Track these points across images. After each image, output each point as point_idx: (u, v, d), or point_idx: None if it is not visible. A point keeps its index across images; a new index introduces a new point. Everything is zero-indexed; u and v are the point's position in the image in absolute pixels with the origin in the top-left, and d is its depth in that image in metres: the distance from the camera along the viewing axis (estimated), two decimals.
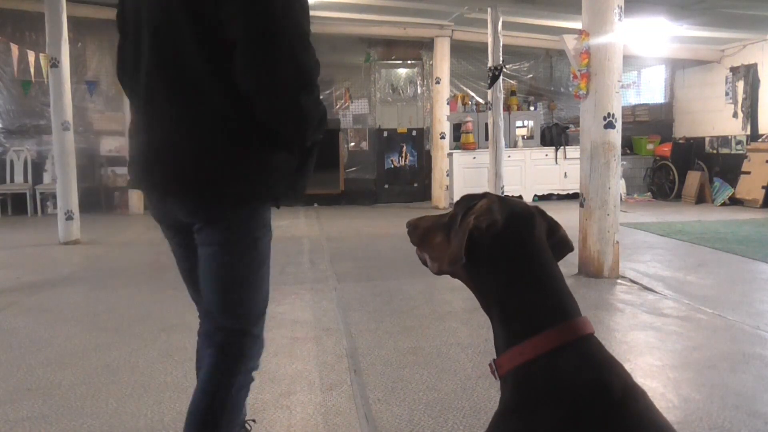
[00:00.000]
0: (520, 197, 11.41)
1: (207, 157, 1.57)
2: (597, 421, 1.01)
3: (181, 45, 1.55)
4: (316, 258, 6.15)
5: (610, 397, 1.03)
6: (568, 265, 5.39)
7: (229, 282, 1.69)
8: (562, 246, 1.22)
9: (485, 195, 1.22)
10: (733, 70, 10.47)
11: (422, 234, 1.29)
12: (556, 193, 11.18)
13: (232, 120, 1.56)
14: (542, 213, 1.22)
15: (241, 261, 1.68)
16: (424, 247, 1.28)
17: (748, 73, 10.18)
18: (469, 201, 1.23)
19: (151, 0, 1.59)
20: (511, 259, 1.13)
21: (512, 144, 11.02)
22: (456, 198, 11.05)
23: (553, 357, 1.06)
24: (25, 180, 10.35)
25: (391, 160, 11.47)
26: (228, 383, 1.66)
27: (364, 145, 11.43)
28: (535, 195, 11.14)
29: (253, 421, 2.18)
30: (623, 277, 4.96)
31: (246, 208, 1.64)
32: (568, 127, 11.41)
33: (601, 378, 1.05)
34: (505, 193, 8.08)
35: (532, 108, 11.64)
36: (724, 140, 10.70)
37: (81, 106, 10.41)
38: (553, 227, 1.21)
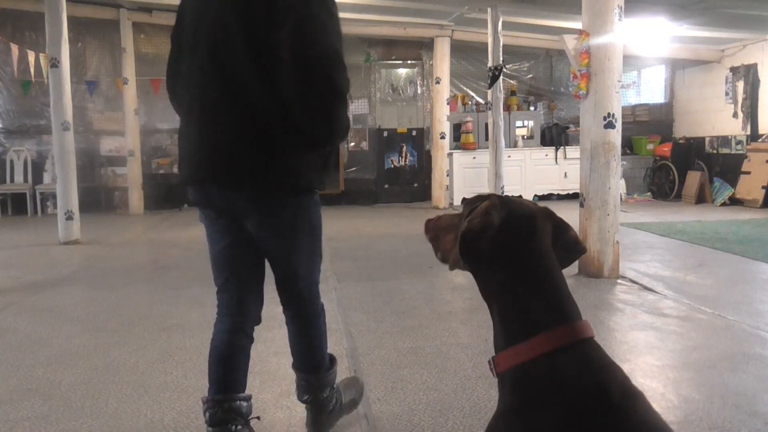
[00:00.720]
0: (520, 197, 11.44)
1: (261, 156, 1.87)
2: (595, 425, 1.02)
3: (237, 62, 1.85)
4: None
5: (609, 400, 1.03)
6: None
7: (296, 258, 2.05)
8: (572, 248, 1.22)
9: (489, 197, 1.23)
10: (733, 70, 10.47)
11: (435, 233, 1.31)
12: (556, 193, 11.18)
13: (278, 125, 1.86)
14: (548, 215, 1.22)
15: (300, 239, 2.02)
16: (437, 246, 1.30)
17: (748, 73, 10.18)
18: (473, 202, 1.24)
19: (211, 22, 1.90)
20: (509, 260, 1.14)
21: (512, 144, 11.02)
22: (456, 198, 11.12)
23: (552, 359, 1.06)
24: (25, 180, 10.35)
25: (391, 160, 11.47)
26: (311, 328, 2.19)
27: (364, 145, 11.43)
28: (535, 195, 11.14)
29: (258, 418, 2.19)
30: (623, 277, 4.96)
31: (292, 197, 1.97)
32: (568, 127, 11.41)
33: (600, 381, 1.05)
34: (505, 193, 8.10)
35: (532, 108, 11.64)
36: (724, 140, 10.70)
37: (81, 106, 10.41)
38: (561, 229, 1.21)
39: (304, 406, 2.37)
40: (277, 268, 2.11)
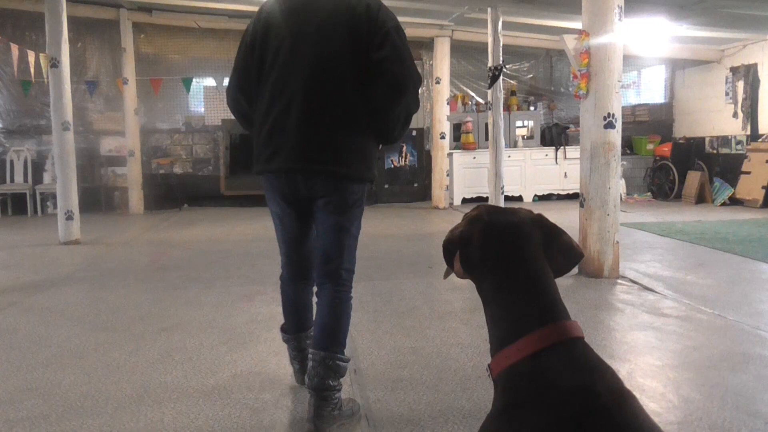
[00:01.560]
0: (520, 197, 11.38)
1: (345, 155, 2.38)
2: (580, 425, 1.02)
3: (341, 78, 2.35)
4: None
5: (594, 399, 1.03)
6: None
7: (345, 235, 2.49)
8: (566, 253, 1.24)
9: (477, 207, 1.28)
10: (733, 70, 10.47)
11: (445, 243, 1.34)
12: (556, 193, 11.18)
13: (362, 130, 2.40)
14: (538, 222, 1.24)
15: (352, 221, 2.51)
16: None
17: (748, 73, 10.18)
18: (469, 213, 1.30)
19: (316, 42, 2.36)
20: (495, 267, 1.18)
21: (512, 144, 11.02)
22: (456, 198, 11.11)
23: (537, 359, 1.08)
24: (25, 180, 10.35)
25: (391, 160, 11.47)
26: (343, 307, 2.47)
27: None
28: (535, 195, 11.14)
29: None
30: (623, 277, 4.96)
31: (363, 185, 2.47)
32: (568, 127, 11.41)
33: (585, 381, 1.06)
34: (505, 193, 8.09)
35: (532, 108, 11.64)
36: (724, 140, 10.71)
37: (81, 106, 10.42)
38: (552, 235, 1.23)
39: (304, 406, 2.36)
40: (327, 242, 2.48)
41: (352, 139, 2.39)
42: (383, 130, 2.45)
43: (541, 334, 1.09)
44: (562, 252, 1.23)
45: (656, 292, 4.52)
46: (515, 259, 1.17)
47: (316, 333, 2.44)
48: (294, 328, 2.72)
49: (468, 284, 4.06)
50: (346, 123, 2.36)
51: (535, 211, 1.28)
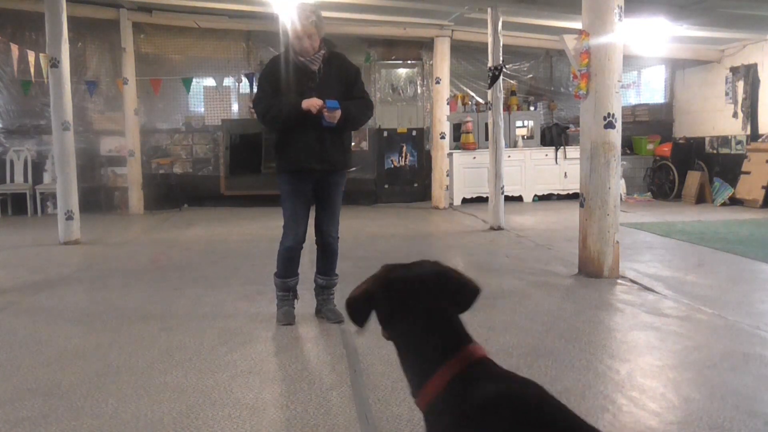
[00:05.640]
0: (520, 198, 11.32)
1: (341, 154, 3.84)
2: (513, 427, 1.12)
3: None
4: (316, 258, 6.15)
5: (516, 401, 1.15)
6: (568, 265, 5.39)
7: (338, 206, 3.92)
8: (464, 289, 1.37)
9: (382, 267, 1.41)
10: (733, 70, 10.46)
11: None
12: (556, 193, 11.18)
13: (349, 136, 4.04)
14: (436, 268, 1.38)
15: (340, 195, 3.92)
16: None
17: (748, 73, 10.17)
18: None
19: (327, 89, 3.71)
20: (402, 316, 1.31)
21: (512, 144, 11.01)
22: (456, 198, 11.10)
23: (453, 385, 1.21)
24: (25, 180, 10.35)
25: (391, 160, 11.46)
26: (334, 258, 3.96)
27: (364, 145, 11.42)
28: (535, 195, 11.14)
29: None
30: (623, 277, 4.96)
31: (346, 170, 3.90)
32: (568, 127, 11.41)
33: (501, 389, 1.18)
34: (505, 194, 8.08)
35: (532, 108, 11.64)
36: (724, 140, 10.70)
37: (81, 106, 10.41)
38: (449, 277, 1.37)
39: (304, 406, 2.36)
40: (326, 212, 3.87)
41: (346, 144, 4.08)
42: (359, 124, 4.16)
43: (450, 364, 1.23)
44: (461, 290, 1.36)
45: (656, 292, 4.52)
46: (417, 306, 1.30)
47: (320, 267, 3.96)
48: (287, 274, 3.88)
49: None
50: (341, 136, 3.99)
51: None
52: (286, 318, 3.87)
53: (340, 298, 3.94)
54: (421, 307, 1.31)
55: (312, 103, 3.58)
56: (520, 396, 1.18)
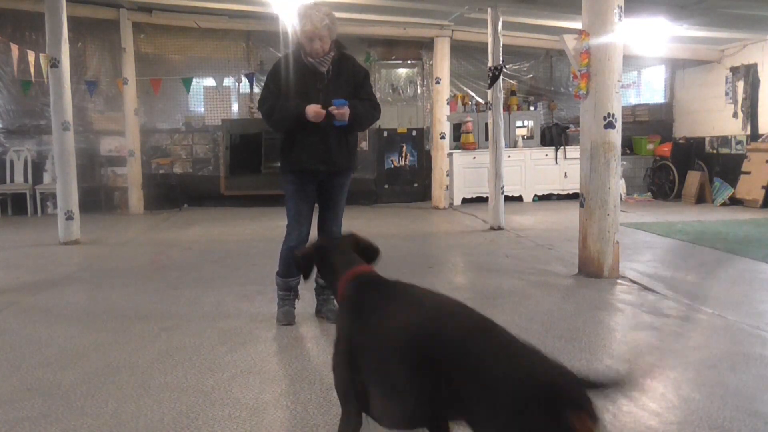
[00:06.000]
0: (520, 198, 11.35)
1: (346, 156, 3.86)
2: (373, 299, 1.98)
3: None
4: None
5: (395, 287, 2.00)
6: (568, 265, 5.39)
7: (342, 207, 3.99)
8: (369, 248, 2.35)
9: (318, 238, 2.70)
10: (733, 70, 10.46)
11: None
12: (556, 193, 11.18)
13: (354, 138, 3.98)
14: (350, 236, 2.40)
15: (344, 195, 3.97)
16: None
17: (748, 73, 10.17)
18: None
19: (335, 91, 3.72)
20: (327, 261, 2.27)
21: (512, 144, 11.01)
22: (456, 198, 11.10)
23: (351, 284, 2.08)
24: (25, 180, 10.35)
25: (391, 160, 11.46)
26: None
27: (364, 145, 11.41)
28: (535, 195, 11.14)
29: None
30: (623, 277, 4.96)
31: (350, 172, 3.95)
32: (568, 127, 11.41)
33: (390, 284, 2.02)
34: (505, 194, 8.08)
35: (532, 108, 11.64)
36: (724, 140, 10.70)
37: (81, 106, 10.42)
38: (358, 240, 2.36)
39: (304, 405, 2.36)
40: (330, 211, 3.95)
41: (350, 146, 4.02)
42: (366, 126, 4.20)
43: (348, 274, 2.11)
44: (366, 248, 2.33)
45: (656, 292, 4.52)
46: (335, 253, 2.26)
47: None
48: (289, 273, 3.91)
49: (468, 284, 4.10)
50: (347, 137, 4.03)
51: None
52: (287, 318, 3.89)
53: None
54: (338, 252, 2.26)
55: (316, 115, 3.60)
56: (389, 283, 2.02)
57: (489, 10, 7.96)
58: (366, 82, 3.88)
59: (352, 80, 3.81)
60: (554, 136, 11.23)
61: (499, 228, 7.84)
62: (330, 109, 3.60)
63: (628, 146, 11.50)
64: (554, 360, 1.50)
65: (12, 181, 10.36)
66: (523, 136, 11.32)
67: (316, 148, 3.72)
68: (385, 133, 11.41)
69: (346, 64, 3.83)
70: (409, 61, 11.79)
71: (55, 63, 7.11)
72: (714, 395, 2.69)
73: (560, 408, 1.34)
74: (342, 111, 3.60)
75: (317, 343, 3.59)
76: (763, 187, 9.51)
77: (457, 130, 10.98)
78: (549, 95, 12.05)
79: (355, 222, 8.81)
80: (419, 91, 11.85)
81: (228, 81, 11.38)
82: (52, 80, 7.16)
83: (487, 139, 9.16)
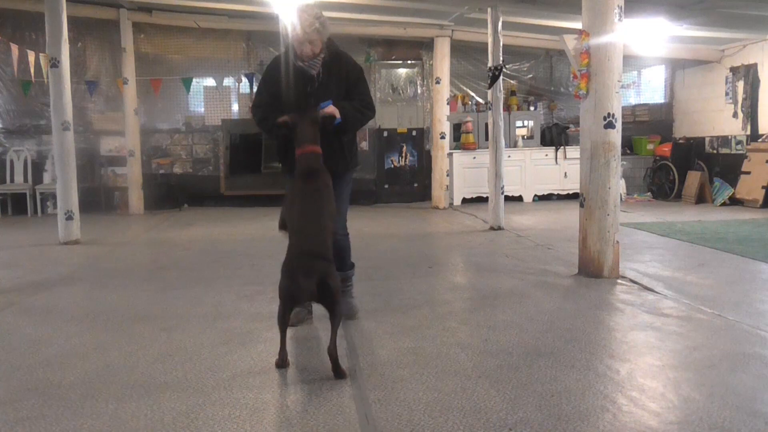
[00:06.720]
0: (520, 197, 11.37)
1: (344, 158, 3.88)
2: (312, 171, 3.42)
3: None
4: None
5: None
6: (568, 265, 5.39)
7: (345, 203, 4.02)
8: (328, 121, 3.53)
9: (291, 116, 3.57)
10: (733, 70, 10.46)
11: None
12: (556, 193, 11.18)
13: (352, 141, 4.02)
14: (311, 116, 3.51)
15: (345, 191, 3.99)
16: None
17: (748, 73, 10.17)
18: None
19: (325, 94, 3.70)
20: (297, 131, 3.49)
21: (512, 144, 11.01)
22: (456, 198, 11.11)
23: (301, 155, 3.44)
24: (25, 180, 10.35)
25: (391, 160, 11.46)
26: (344, 254, 4.04)
27: (364, 145, 11.41)
28: (535, 195, 11.14)
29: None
30: (623, 277, 4.96)
31: (350, 171, 3.99)
32: (568, 127, 11.41)
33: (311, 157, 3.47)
34: (505, 193, 8.09)
35: (532, 108, 11.63)
36: (724, 140, 10.70)
37: (81, 106, 10.42)
38: (314, 118, 3.49)
39: (304, 405, 2.36)
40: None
41: (347, 148, 4.03)
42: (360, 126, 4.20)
43: (305, 148, 3.41)
44: (326, 121, 3.50)
45: (656, 292, 4.52)
46: (300, 128, 3.49)
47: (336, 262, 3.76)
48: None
49: (468, 284, 4.11)
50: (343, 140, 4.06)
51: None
52: (296, 317, 3.80)
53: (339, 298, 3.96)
54: (302, 128, 3.45)
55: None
56: (311, 170, 3.35)
57: (489, 10, 7.96)
58: (360, 82, 3.81)
59: (344, 81, 3.75)
60: (554, 136, 11.24)
61: (499, 228, 7.84)
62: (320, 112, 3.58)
63: (628, 146, 11.50)
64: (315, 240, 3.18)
65: (12, 181, 10.37)
66: (523, 136, 11.32)
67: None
68: (385, 133, 11.41)
69: (338, 65, 3.76)
70: (409, 61, 11.79)
71: (55, 63, 7.11)
72: (714, 395, 2.69)
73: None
74: (328, 110, 3.56)
75: (317, 343, 3.59)
76: (763, 187, 9.51)
77: (457, 130, 10.98)
78: (549, 95, 12.05)
79: (355, 222, 8.81)
80: (419, 91, 11.85)
81: (228, 81, 11.38)
82: (52, 80, 7.16)
83: (487, 139, 9.16)
